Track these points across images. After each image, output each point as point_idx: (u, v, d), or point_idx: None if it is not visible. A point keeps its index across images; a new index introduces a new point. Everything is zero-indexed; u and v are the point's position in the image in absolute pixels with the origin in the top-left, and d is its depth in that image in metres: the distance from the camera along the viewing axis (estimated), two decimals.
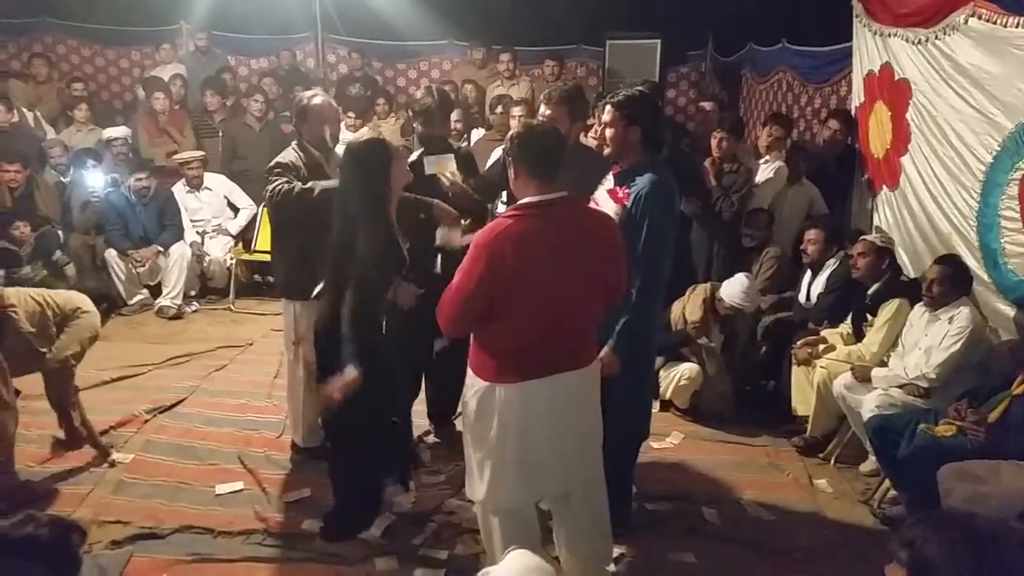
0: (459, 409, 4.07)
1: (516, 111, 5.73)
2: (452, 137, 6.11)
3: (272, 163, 3.59)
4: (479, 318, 2.51)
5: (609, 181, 3.09)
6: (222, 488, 3.66)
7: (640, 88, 3.11)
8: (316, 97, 3.70)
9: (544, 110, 3.47)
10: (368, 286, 2.92)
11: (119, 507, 3.47)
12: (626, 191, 2.96)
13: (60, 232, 6.05)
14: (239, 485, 3.68)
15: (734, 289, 4.43)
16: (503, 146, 3.77)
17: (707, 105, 6.22)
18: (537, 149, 2.53)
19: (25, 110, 7.01)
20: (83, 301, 3.86)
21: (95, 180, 6.12)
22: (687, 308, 4.53)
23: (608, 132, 3.06)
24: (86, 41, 8.74)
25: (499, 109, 6.43)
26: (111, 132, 6.57)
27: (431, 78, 8.90)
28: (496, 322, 2.50)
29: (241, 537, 3.30)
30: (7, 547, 1.73)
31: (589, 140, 4.66)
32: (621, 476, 3.17)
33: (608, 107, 3.05)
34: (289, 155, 3.60)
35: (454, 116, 6.11)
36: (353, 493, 3.34)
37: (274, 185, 3.46)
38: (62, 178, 6.39)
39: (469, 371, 2.65)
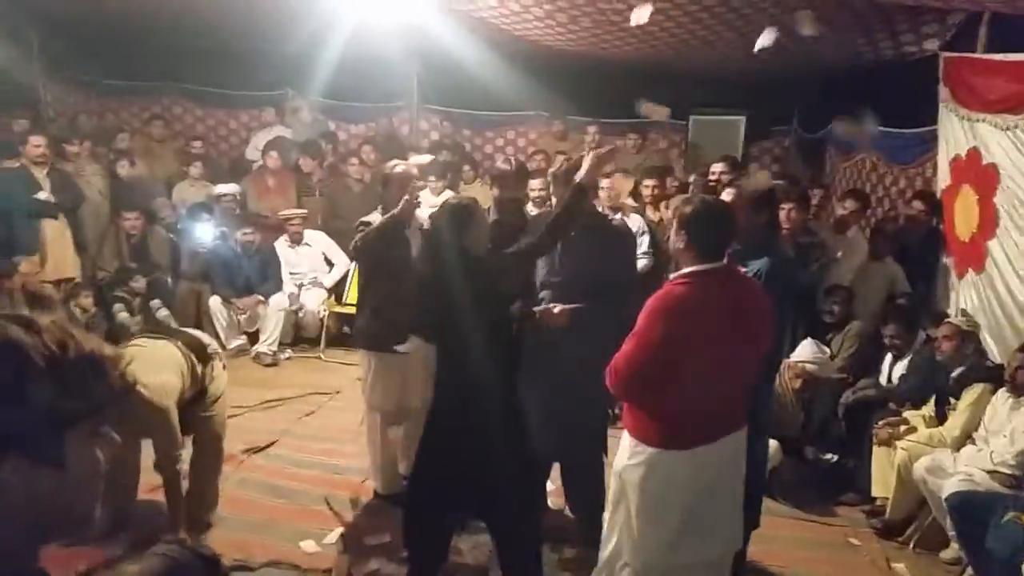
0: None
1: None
2: (536, 203, 6.36)
3: (358, 222, 4.00)
4: (649, 381, 2.61)
5: None
6: (308, 545, 3.74)
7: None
8: (398, 167, 4.08)
9: (550, 186, 3.66)
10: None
11: (214, 540, 3.67)
12: (743, 270, 3.04)
13: (169, 280, 6.52)
14: (326, 539, 3.79)
15: (804, 350, 4.48)
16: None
17: (778, 183, 6.29)
18: (712, 224, 2.67)
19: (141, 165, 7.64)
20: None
21: (204, 232, 6.60)
22: None
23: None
24: (200, 103, 9.40)
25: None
26: (222, 188, 7.06)
27: (516, 147, 9.25)
28: (665, 387, 2.59)
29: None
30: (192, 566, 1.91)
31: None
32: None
33: (732, 191, 3.23)
34: (373, 216, 3.99)
35: (538, 184, 6.33)
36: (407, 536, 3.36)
37: (354, 241, 3.91)
38: (171, 234, 6.89)
39: (630, 439, 2.73)
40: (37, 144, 6.20)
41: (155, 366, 3.43)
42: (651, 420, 2.67)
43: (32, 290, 5.60)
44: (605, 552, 2.95)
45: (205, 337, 3.97)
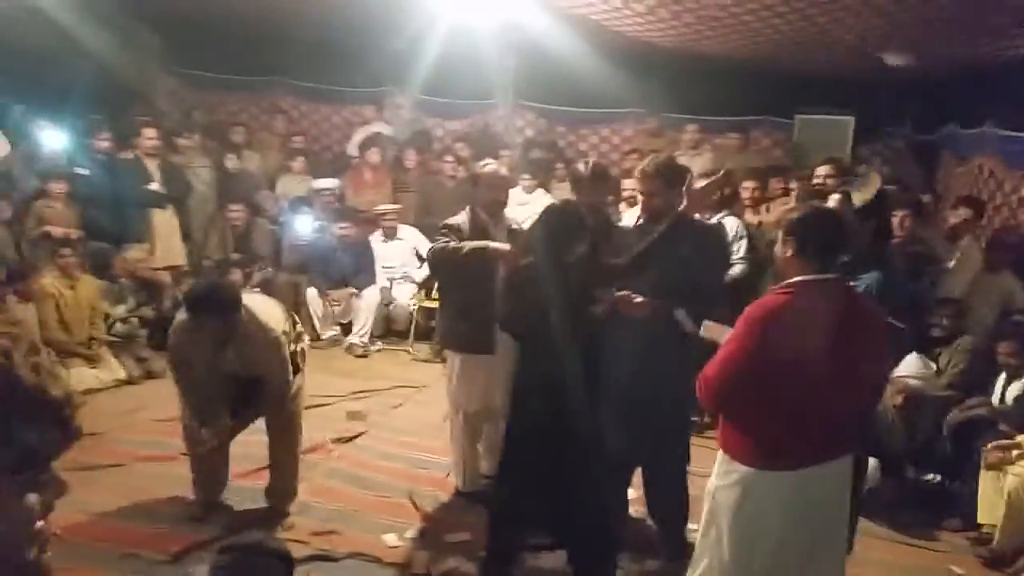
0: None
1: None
2: (628, 203, 6.25)
3: (442, 223, 4.00)
4: (744, 393, 2.50)
5: None
6: (390, 539, 3.77)
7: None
8: (487, 166, 4.09)
9: (638, 184, 3.53)
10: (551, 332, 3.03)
11: (301, 527, 3.77)
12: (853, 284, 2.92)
13: (270, 270, 6.77)
14: (407, 533, 3.83)
15: (908, 365, 4.25)
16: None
17: (888, 188, 5.99)
18: (821, 233, 2.54)
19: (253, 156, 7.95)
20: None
21: (304, 226, 6.81)
22: None
23: None
24: (306, 98, 9.60)
25: None
26: (321, 183, 7.25)
27: (612, 144, 9.12)
28: (759, 401, 2.47)
29: (403, 571, 3.51)
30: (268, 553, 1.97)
31: None
32: None
33: (838, 196, 3.03)
34: (460, 217, 3.99)
35: (631, 183, 6.20)
36: (491, 536, 3.40)
37: (432, 246, 3.90)
38: (273, 226, 7.15)
39: (724, 457, 2.62)
40: (150, 137, 6.53)
41: (267, 312, 3.64)
42: (746, 437, 2.54)
43: (143, 276, 5.93)
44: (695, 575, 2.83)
45: (296, 317, 4.12)
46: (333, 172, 7.86)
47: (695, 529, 3.30)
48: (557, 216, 3.25)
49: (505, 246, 3.71)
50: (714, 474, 2.67)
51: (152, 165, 6.55)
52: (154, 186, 6.50)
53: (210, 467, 3.82)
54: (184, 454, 3.92)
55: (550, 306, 3.03)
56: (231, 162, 7.54)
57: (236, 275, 6.46)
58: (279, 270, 6.82)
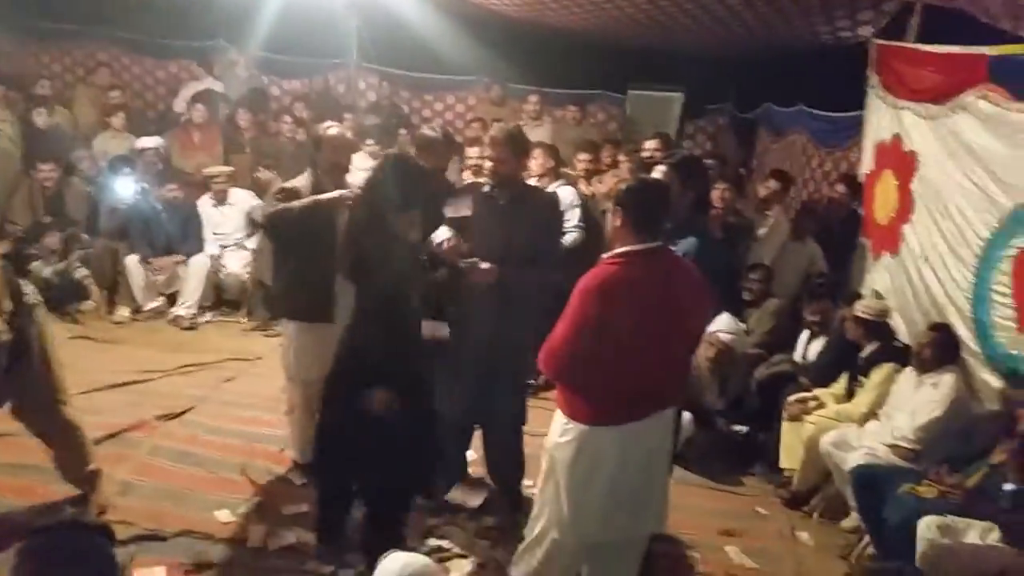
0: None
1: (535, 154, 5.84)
2: (472, 171, 6.28)
3: (278, 187, 3.88)
4: (584, 360, 2.63)
5: None
6: (223, 515, 3.65)
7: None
8: (331, 128, 3.95)
9: (488, 151, 3.67)
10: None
11: (124, 508, 3.57)
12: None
13: (86, 237, 6.28)
14: (241, 508, 3.72)
15: (720, 322, 4.60)
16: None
17: (709, 162, 6.37)
18: (648, 204, 2.70)
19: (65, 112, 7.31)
20: None
21: (125, 187, 6.33)
22: None
23: None
24: (125, 51, 8.89)
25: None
26: (144, 142, 6.76)
27: (456, 112, 9.12)
28: (598, 367, 2.62)
29: (238, 546, 3.42)
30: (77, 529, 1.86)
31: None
32: None
33: (663, 168, 3.24)
34: (300, 180, 3.86)
35: (475, 152, 6.24)
36: (320, 494, 3.44)
37: (267, 210, 3.78)
38: (89, 187, 6.63)
39: (562, 416, 2.77)
40: None
41: None
42: (582, 398, 2.71)
43: None
44: (534, 529, 2.98)
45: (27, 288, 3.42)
46: (158, 131, 7.35)
47: (531, 485, 3.48)
48: (395, 166, 3.22)
49: (335, 193, 3.62)
50: (552, 433, 2.82)
51: None
52: None
53: None
54: None
55: (387, 257, 3.04)
56: (40, 117, 6.90)
57: (55, 238, 5.94)
58: (95, 236, 6.32)
